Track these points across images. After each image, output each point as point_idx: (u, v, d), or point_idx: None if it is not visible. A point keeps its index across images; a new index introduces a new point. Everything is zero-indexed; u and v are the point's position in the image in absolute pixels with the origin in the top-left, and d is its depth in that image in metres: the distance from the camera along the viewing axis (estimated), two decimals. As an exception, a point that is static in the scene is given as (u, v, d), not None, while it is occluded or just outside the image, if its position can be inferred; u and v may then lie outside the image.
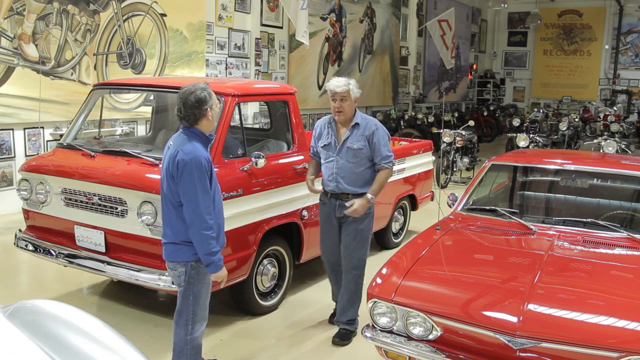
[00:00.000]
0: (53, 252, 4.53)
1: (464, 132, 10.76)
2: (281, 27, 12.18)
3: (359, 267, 4.32)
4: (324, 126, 4.36)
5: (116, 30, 8.73)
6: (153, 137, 5.57)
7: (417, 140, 7.69)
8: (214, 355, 4.10)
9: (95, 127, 6.21)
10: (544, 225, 4.08)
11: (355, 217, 4.19)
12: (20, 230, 4.87)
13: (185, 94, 3.29)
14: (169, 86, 4.93)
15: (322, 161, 4.35)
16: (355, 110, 4.28)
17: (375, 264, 5.71)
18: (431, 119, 14.66)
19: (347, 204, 4.16)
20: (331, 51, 13.84)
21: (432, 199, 7.26)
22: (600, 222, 3.99)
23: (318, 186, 4.45)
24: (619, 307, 3.10)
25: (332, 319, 4.57)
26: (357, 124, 4.24)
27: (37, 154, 7.48)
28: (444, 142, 10.36)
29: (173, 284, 3.63)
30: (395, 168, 6.29)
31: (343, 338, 4.29)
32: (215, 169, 4.15)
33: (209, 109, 3.30)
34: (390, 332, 3.32)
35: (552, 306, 3.09)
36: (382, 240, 6.59)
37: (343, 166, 4.21)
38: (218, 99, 4.53)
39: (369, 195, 4.17)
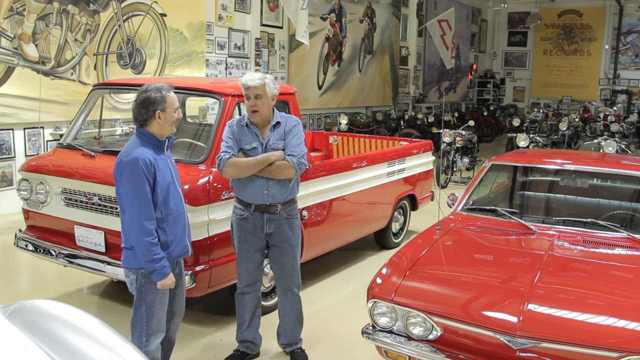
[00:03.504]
0: (53, 252, 4.53)
1: (464, 132, 10.76)
2: (281, 27, 12.19)
3: (299, 284, 4.02)
4: (240, 129, 3.71)
5: (116, 30, 8.73)
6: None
7: (417, 140, 7.69)
8: (214, 355, 4.11)
9: (95, 127, 6.21)
10: (544, 225, 4.08)
11: (284, 233, 3.79)
12: (20, 230, 4.87)
13: (139, 92, 3.14)
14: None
15: None
16: (274, 109, 3.77)
17: (376, 263, 5.73)
18: (431, 119, 14.66)
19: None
20: (331, 51, 13.85)
21: (432, 199, 7.26)
22: (600, 222, 3.99)
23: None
24: (619, 307, 3.09)
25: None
26: (278, 122, 3.74)
27: (37, 154, 7.49)
28: (444, 142, 10.36)
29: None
30: (395, 168, 6.36)
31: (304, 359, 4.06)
32: (215, 169, 4.19)
33: (159, 111, 3.10)
34: (390, 332, 3.32)
35: (552, 306, 3.09)
36: (382, 240, 6.60)
37: None
38: (217, 99, 4.56)
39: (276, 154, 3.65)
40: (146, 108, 3.11)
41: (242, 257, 3.86)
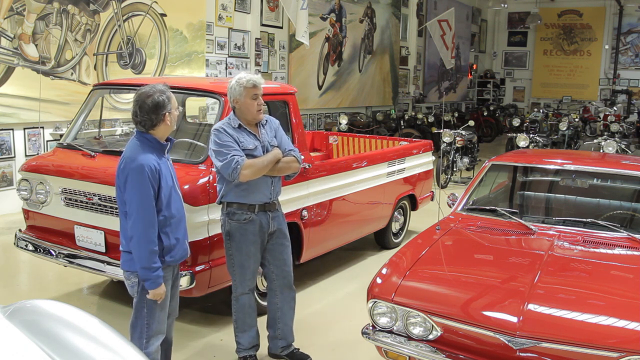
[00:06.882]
0: (53, 252, 4.53)
1: (464, 132, 10.76)
2: (281, 27, 12.19)
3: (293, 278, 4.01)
4: (235, 131, 3.66)
5: (116, 30, 8.73)
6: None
7: (417, 140, 7.69)
8: (214, 356, 4.10)
9: (95, 127, 6.21)
10: (544, 225, 4.08)
11: (284, 229, 3.86)
12: (20, 230, 4.87)
13: (142, 97, 3.06)
14: (169, 86, 4.91)
15: None
16: None
17: (376, 263, 5.73)
18: (431, 119, 14.66)
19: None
20: (331, 51, 13.85)
21: (432, 199, 7.26)
22: (600, 222, 3.99)
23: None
24: (619, 307, 3.09)
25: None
26: (267, 121, 3.81)
27: (37, 154, 7.48)
28: (444, 142, 10.36)
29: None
30: (395, 168, 6.36)
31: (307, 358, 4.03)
32: (214, 169, 4.18)
33: (167, 113, 3.08)
34: (390, 332, 3.32)
35: (552, 306, 3.09)
36: (382, 240, 6.60)
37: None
38: (217, 99, 4.56)
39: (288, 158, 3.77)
40: (156, 113, 3.06)
41: (249, 261, 3.77)
